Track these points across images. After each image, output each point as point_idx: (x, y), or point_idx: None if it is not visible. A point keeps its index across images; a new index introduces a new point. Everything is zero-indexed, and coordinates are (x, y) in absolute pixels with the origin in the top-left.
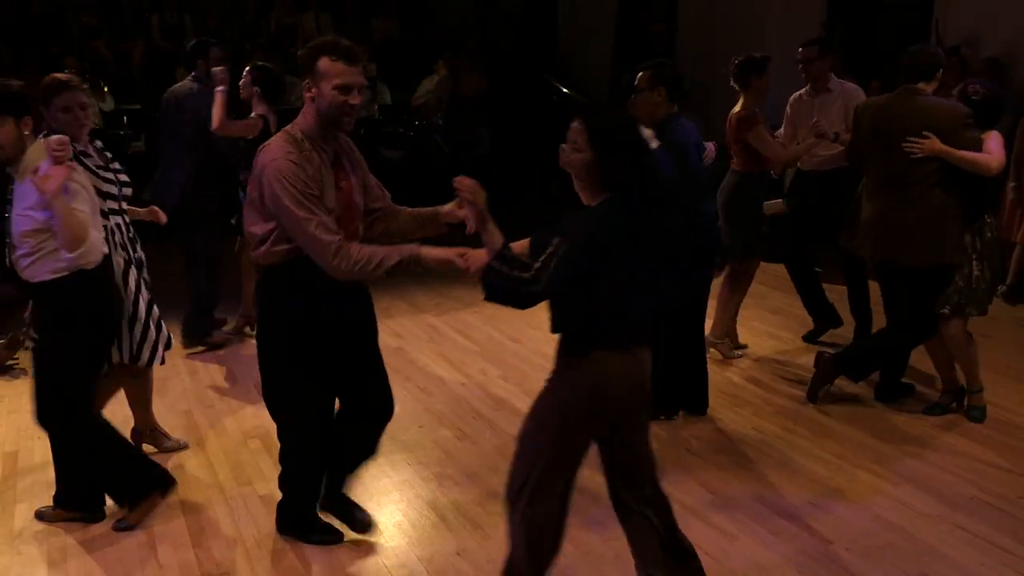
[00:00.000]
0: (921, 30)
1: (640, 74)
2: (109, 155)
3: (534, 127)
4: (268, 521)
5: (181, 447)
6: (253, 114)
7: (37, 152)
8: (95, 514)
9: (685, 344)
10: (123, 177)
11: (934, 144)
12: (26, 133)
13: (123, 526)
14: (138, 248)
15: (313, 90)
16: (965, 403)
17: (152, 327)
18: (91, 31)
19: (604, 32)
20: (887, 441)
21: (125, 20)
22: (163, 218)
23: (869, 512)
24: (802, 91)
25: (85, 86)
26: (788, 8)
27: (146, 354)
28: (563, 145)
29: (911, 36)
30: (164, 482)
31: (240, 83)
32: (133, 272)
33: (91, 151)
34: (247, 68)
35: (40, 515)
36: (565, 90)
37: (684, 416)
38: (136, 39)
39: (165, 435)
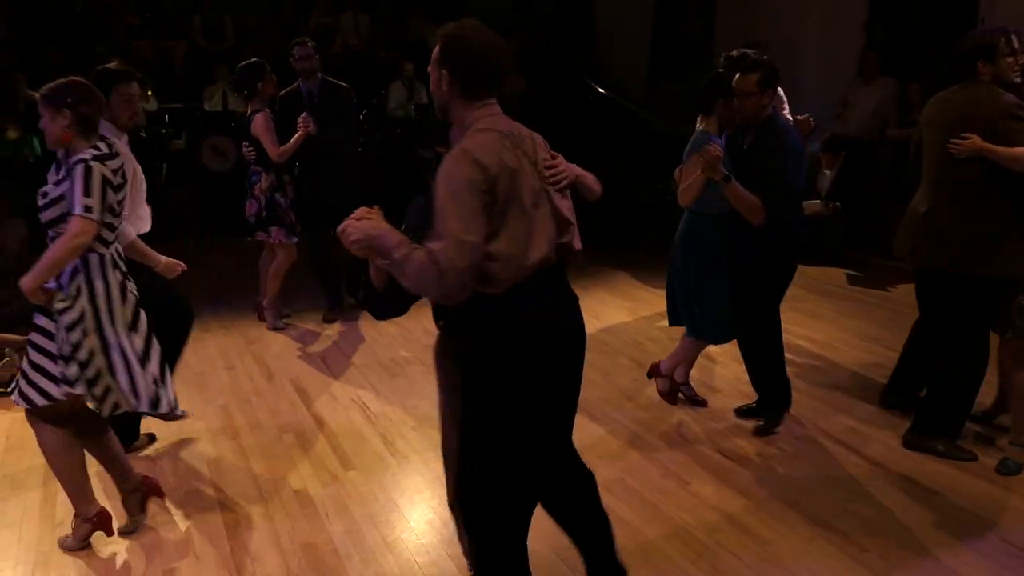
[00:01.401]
0: (964, 30)
1: (742, 76)
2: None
3: (570, 127)
4: (301, 515)
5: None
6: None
7: None
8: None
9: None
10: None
11: (974, 142)
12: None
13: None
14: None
15: None
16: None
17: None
18: (134, 31)
19: (641, 32)
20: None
21: (166, 20)
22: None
23: (907, 519)
24: None
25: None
26: (828, 8)
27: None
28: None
29: (954, 36)
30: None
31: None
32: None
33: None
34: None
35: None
36: (601, 90)
37: (719, 419)
38: (178, 39)
39: None
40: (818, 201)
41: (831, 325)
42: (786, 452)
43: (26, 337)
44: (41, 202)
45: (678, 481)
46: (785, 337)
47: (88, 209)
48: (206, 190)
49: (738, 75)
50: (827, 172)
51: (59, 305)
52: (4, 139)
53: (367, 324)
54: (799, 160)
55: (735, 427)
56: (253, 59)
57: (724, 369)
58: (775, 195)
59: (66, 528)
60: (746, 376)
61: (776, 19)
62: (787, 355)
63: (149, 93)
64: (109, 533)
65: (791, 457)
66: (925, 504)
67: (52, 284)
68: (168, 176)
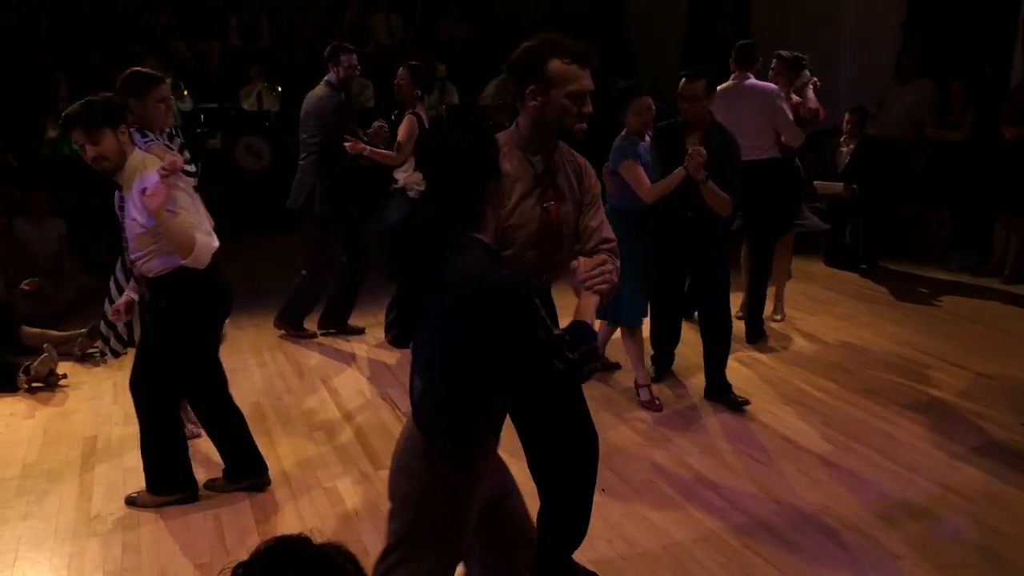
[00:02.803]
0: (1006, 31)
1: (691, 83)
2: (180, 141)
3: (601, 128)
4: (331, 511)
5: None
6: (408, 113)
7: (137, 162)
8: (189, 492)
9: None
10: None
11: None
12: (123, 139)
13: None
14: None
15: (539, 98)
16: None
17: None
18: (170, 32)
19: (674, 32)
20: (960, 456)
21: (202, 21)
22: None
23: (942, 527)
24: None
25: (168, 80)
26: (865, 6)
27: None
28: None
29: (995, 37)
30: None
31: (398, 83)
32: None
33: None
34: (401, 69)
35: (131, 501)
36: None
37: (748, 419)
38: (213, 40)
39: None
40: (840, 184)
41: (866, 329)
42: (819, 456)
43: (66, 333)
44: None
45: (708, 484)
46: (819, 340)
47: None
48: (240, 189)
49: (684, 81)
50: (844, 149)
51: None
52: (44, 137)
53: None
54: (740, 155)
55: (767, 430)
56: (418, 63)
57: (750, 370)
58: (736, 189)
59: (101, 520)
60: (765, 372)
61: (811, 19)
62: (821, 359)
63: (185, 92)
64: None
65: (824, 462)
66: (961, 512)
67: None
68: (203, 175)
